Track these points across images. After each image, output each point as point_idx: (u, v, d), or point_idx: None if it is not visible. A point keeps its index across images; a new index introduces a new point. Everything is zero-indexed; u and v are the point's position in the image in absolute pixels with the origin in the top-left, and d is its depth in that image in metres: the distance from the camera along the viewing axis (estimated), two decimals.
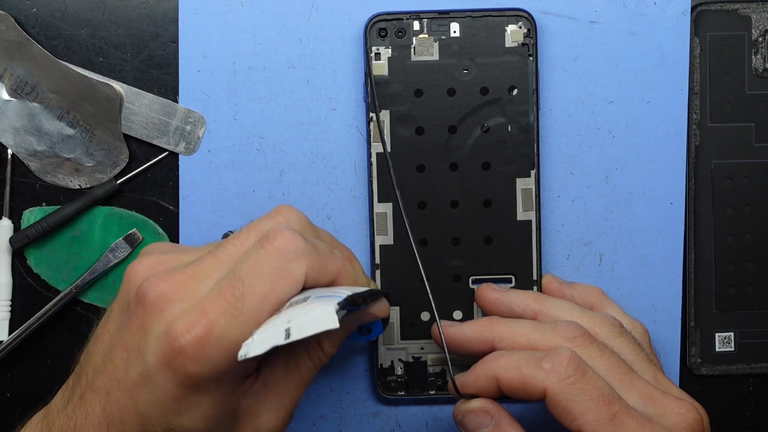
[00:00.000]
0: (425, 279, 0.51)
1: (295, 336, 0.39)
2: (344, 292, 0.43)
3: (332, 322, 0.39)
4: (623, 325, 0.51)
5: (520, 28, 0.54)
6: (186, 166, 0.56)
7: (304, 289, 0.43)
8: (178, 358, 0.41)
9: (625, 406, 0.45)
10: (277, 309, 0.42)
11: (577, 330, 0.48)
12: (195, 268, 0.44)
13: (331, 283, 0.45)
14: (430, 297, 0.50)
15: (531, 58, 0.55)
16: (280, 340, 0.39)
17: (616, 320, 0.50)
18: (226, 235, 0.47)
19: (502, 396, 0.48)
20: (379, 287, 0.54)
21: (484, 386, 0.48)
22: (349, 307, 0.43)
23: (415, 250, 0.51)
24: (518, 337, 0.49)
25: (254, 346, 0.39)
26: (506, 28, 0.55)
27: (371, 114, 0.54)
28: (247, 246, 0.44)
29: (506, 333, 0.49)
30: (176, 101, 0.56)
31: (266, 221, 0.45)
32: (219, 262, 0.44)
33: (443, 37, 0.55)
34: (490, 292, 0.53)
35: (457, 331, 0.51)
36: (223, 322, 0.41)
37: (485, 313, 0.53)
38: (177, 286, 0.43)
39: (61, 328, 0.57)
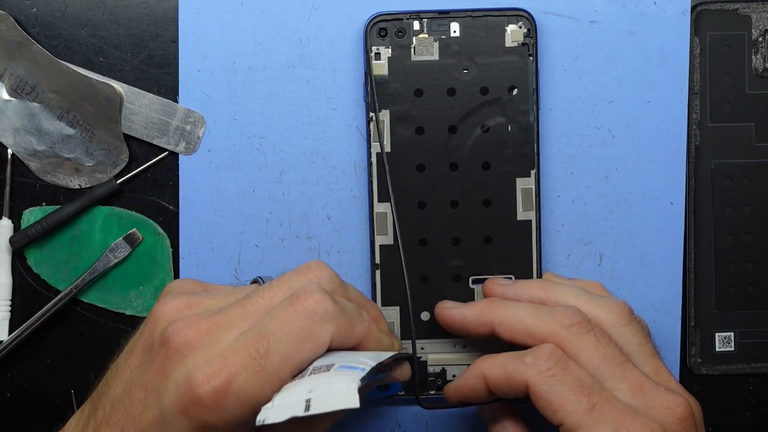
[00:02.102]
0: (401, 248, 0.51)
1: (315, 410, 0.39)
2: (369, 362, 0.43)
3: (353, 401, 0.39)
4: (633, 312, 0.51)
5: (520, 27, 0.54)
6: (186, 166, 0.56)
7: (329, 350, 0.44)
8: (195, 407, 0.42)
9: (607, 396, 0.45)
10: (299, 369, 0.43)
11: (575, 317, 0.48)
12: (221, 317, 0.44)
13: (356, 346, 0.45)
14: (403, 264, 0.50)
15: (531, 58, 0.55)
16: (300, 412, 0.39)
17: (626, 306, 0.50)
18: (255, 281, 0.48)
19: (494, 398, 0.49)
20: (399, 339, 0.54)
21: (474, 385, 0.49)
22: (371, 377, 0.43)
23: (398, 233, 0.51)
24: (517, 321, 0.49)
25: (273, 413, 0.40)
26: (506, 28, 0.55)
27: (371, 114, 0.54)
28: (276, 301, 0.44)
29: (505, 317, 0.50)
30: (176, 101, 0.56)
31: (297, 277, 0.45)
32: (246, 314, 0.44)
33: (443, 37, 0.55)
34: (497, 287, 0.53)
35: (458, 313, 0.52)
36: (243, 377, 0.42)
37: None
38: (202, 335, 0.43)
39: (61, 328, 0.57)
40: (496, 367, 0.48)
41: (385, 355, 0.45)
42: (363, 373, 0.41)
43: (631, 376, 0.47)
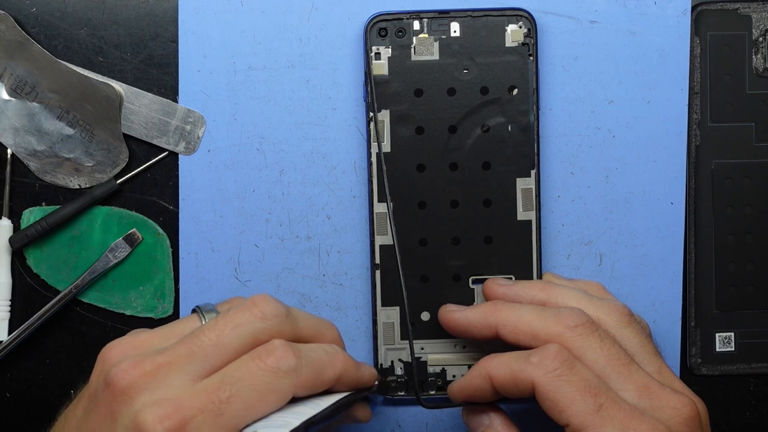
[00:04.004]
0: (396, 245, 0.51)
1: None
2: (309, 412, 0.43)
3: None
4: (632, 313, 0.51)
5: (521, 27, 0.54)
6: (186, 165, 0.56)
7: (296, 399, 0.44)
8: None
9: (613, 397, 0.45)
10: (256, 420, 0.43)
11: (579, 318, 0.48)
12: (166, 357, 0.43)
13: (332, 388, 0.45)
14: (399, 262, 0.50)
15: (531, 58, 0.55)
16: None
17: (625, 308, 0.50)
18: (194, 311, 0.47)
19: (499, 398, 0.48)
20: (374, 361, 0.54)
21: (479, 385, 0.48)
22: (313, 427, 0.43)
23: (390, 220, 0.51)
24: (521, 323, 0.49)
25: None
26: (506, 27, 0.55)
27: (371, 114, 0.54)
28: (222, 340, 0.43)
29: (509, 319, 0.50)
30: (176, 101, 0.56)
31: (242, 313, 0.44)
32: (192, 354, 0.43)
33: (443, 37, 0.54)
34: (497, 288, 0.53)
35: (462, 316, 0.51)
36: (200, 420, 0.41)
37: None
38: (147, 375, 0.42)
39: (60, 328, 0.57)
40: (501, 367, 0.47)
41: (323, 405, 0.45)
42: (295, 425, 0.42)
43: (636, 376, 0.47)
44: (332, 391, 0.46)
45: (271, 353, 0.43)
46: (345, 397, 0.46)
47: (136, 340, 0.45)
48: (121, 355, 0.44)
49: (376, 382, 0.49)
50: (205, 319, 0.46)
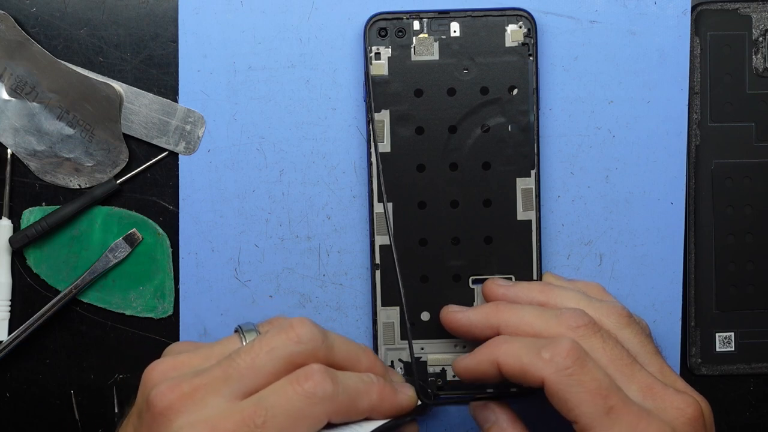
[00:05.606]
0: (392, 241, 0.50)
1: None
2: None
3: None
4: (631, 314, 0.51)
5: (520, 27, 0.54)
6: (186, 165, 0.56)
7: (331, 425, 0.44)
8: None
9: (623, 399, 0.45)
10: None
11: (581, 319, 0.48)
12: (203, 380, 0.44)
13: (369, 416, 0.46)
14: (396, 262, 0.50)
15: (531, 58, 0.55)
16: None
17: (624, 309, 0.50)
18: (236, 330, 0.48)
19: (505, 379, 0.48)
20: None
21: (486, 370, 0.48)
22: None
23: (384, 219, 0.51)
24: (523, 324, 0.49)
25: None
26: (506, 27, 0.55)
27: (371, 114, 0.54)
28: (258, 363, 0.44)
29: (511, 320, 0.50)
30: (176, 101, 0.56)
31: (278, 336, 0.45)
32: (227, 377, 0.44)
33: (443, 37, 0.54)
34: (497, 288, 0.53)
35: (464, 317, 0.52)
36: None
37: None
38: (184, 398, 0.43)
39: (60, 328, 0.57)
40: (511, 358, 0.47)
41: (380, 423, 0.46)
42: None
43: (640, 377, 0.47)
44: (370, 419, 0.46)
45: (309, 378, 0.43)
46: (381, 426, 0.46)
47: (177, 361, 0.46)
48: (161, 376, 0.45)
49: (417, 405, 0.50)
50: (245, 338, 0.47)
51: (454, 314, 0.52)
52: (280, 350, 0.44)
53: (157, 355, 0.47)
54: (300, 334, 0.45)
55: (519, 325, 0.49)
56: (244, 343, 0.46)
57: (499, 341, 0.48)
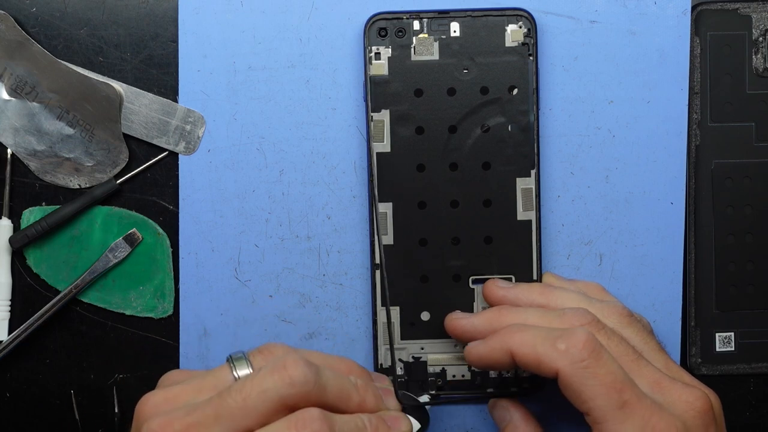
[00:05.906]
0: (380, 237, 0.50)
1: None
2: None
3: None
4: (632, 313, 0.51)
5: (520, 27, 0.54)
6: (186, 165, 0.56)
7: None
8: None
9: (638, 393, 0.45)
10: None
11: (584, 317, 0.48)
12: (194, 418, 0.44)
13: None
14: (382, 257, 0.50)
15: (531, 58, 0.55)
16: None
17: (625, 309, 0.51)
18: (227, 360, 0.47)
19: (517, 368, 0.48)
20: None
21: (499, 359, 0.48)
22: None
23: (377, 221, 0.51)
24: None
25: None
26: (506, 27, 0.55)
27: (371, 114, 0.54)
28: (248, 403, 0.44)
29: (515, 323, 0.49)
30: (176, 101, 0.56)
31: (270, 377, 0.44)
32: (218, 417, 0.44)
33: (443, 37, 0.54)
34: (497, 290, 0.53)
35: (468, 323, 0.52)
36: None
37: None
38: None
39: (60, 328, 0.57)
40: (525, 347, 0.47)
41: None
42: None
43: (647, 372, 0.47)
44: None
45: (307, 425, 0.43)
46: None
47: (169, 394, 0.45)
48: (153, 410, 0.45)
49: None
50: (235, 369, 0.46)
51: (458, 321, 0.52)
52: (272, 392, 0.44)
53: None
54: (293, 376, 0.44)
55: None
56: (234, 374, 0.46)
57: (513, 329, 0.48)
